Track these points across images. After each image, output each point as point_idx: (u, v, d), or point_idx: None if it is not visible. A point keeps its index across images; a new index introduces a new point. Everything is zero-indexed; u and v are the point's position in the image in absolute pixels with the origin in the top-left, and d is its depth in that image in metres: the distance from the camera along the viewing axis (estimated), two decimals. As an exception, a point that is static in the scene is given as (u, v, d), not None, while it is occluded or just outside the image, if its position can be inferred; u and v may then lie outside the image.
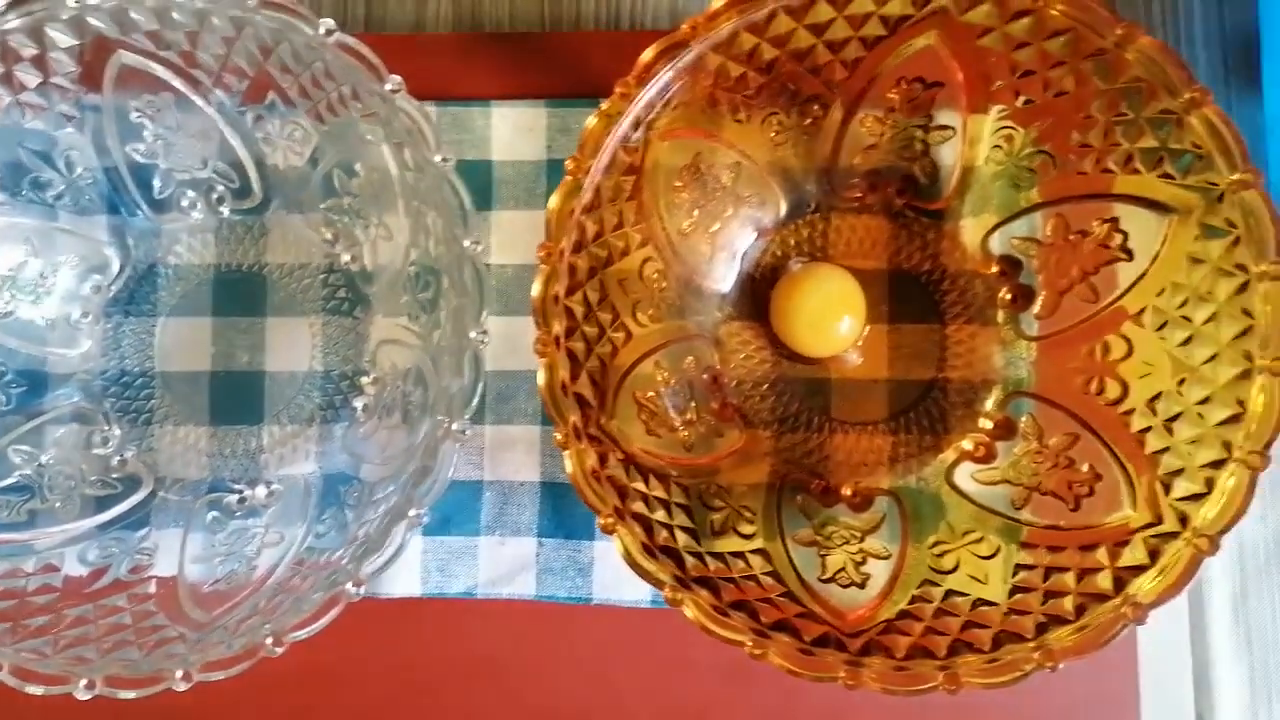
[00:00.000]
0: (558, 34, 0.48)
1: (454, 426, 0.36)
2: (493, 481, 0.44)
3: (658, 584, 0.35)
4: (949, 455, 0.43)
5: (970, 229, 0.44)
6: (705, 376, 0.44)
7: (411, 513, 0.35)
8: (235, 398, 0.45)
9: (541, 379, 0.35)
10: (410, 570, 0.44)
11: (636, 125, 0.37)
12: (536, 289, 0.36)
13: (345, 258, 0.45)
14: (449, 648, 0.44)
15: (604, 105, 0.36)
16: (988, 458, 0.43)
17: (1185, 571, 0.35)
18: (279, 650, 0.34)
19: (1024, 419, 0.43)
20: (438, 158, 0.36)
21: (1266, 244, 0.36)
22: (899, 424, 0.44)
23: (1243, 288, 0.36)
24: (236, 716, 0.44)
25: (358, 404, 0.44)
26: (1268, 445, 0.35)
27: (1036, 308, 0.43)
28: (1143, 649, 0.44)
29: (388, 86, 0.37)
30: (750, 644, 0.35)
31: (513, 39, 0.47)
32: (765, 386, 0.44)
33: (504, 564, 0.44)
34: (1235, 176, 0.36)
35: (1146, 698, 0.44)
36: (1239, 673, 0.45)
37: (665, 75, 0.37)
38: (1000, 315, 0.44)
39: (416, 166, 0.37)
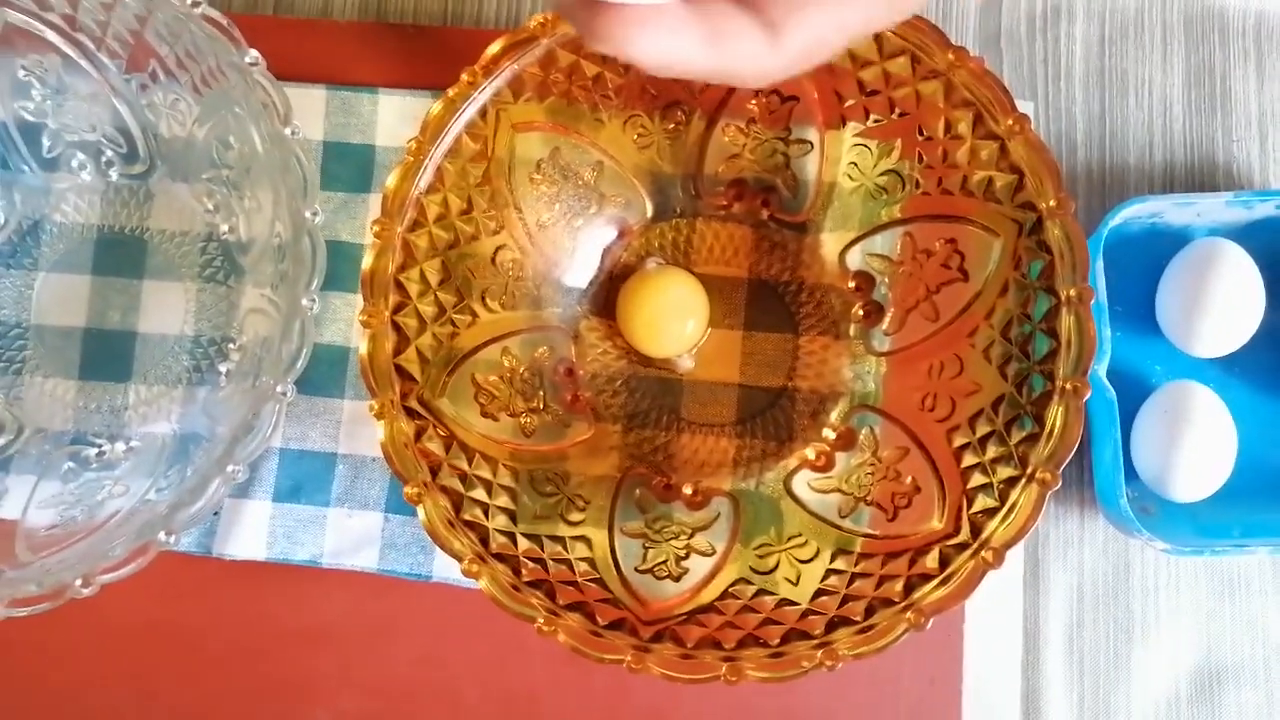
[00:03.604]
0: (454, 29, 0.49)
1: (278, 389, 0.37)
2: (347, 455, 0.46)
3: (457, 556, 0.36)
4: (791, 462, 0.44)
5: (830, 243, 0.45)
6: (559, 368, 0.45)
7: (229, 468, 0.36)
8: (106, 355, 0.46)
9: (363, 349, 0.37)
10: (257, 535, 0.45)
11: (484, 114, 0.39)
12: (367, 263, 0.37)
13: (224, 228, 0.46)
14: (289, 614, 0.45)
15: (449, 92, 0.38)
16: (827, 467, 0.44)
17: (969, 581, 0.36)
18: (86, 591, 0.35)
19: (864, 431, 0.43)
20: (287, 130, 0.38)
21: (1077, 269, 0.37)
22: (745, 428, 0.45)
23: (1053, 310, 0.37)
24: (75, 665, 0.45)
25: (223, 369, 0.45)
26: (1060, 464, 0.36)
27: (886, 324, 0.44)
28: (971, 672, 0.45)
29: (246, 60, 0.38)
30: (542, 620, 0.36)
31: (409, 31, 0.49)
32: (619, 383, 0.45)
33: (350, 536, 0.45)
34: (1050, 203, 0.37)
35: (971, 718, 0.45)
36: (1069, 700, 0.45)
37: (512, 67, 0.38)
38: (853, 329, 0.45)
39: (272, 139, 0.38)
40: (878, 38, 0.38)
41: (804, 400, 0.45)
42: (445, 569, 0.45)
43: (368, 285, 0.37)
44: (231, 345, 0.46)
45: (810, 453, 0.44)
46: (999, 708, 0.45)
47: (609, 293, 0.46)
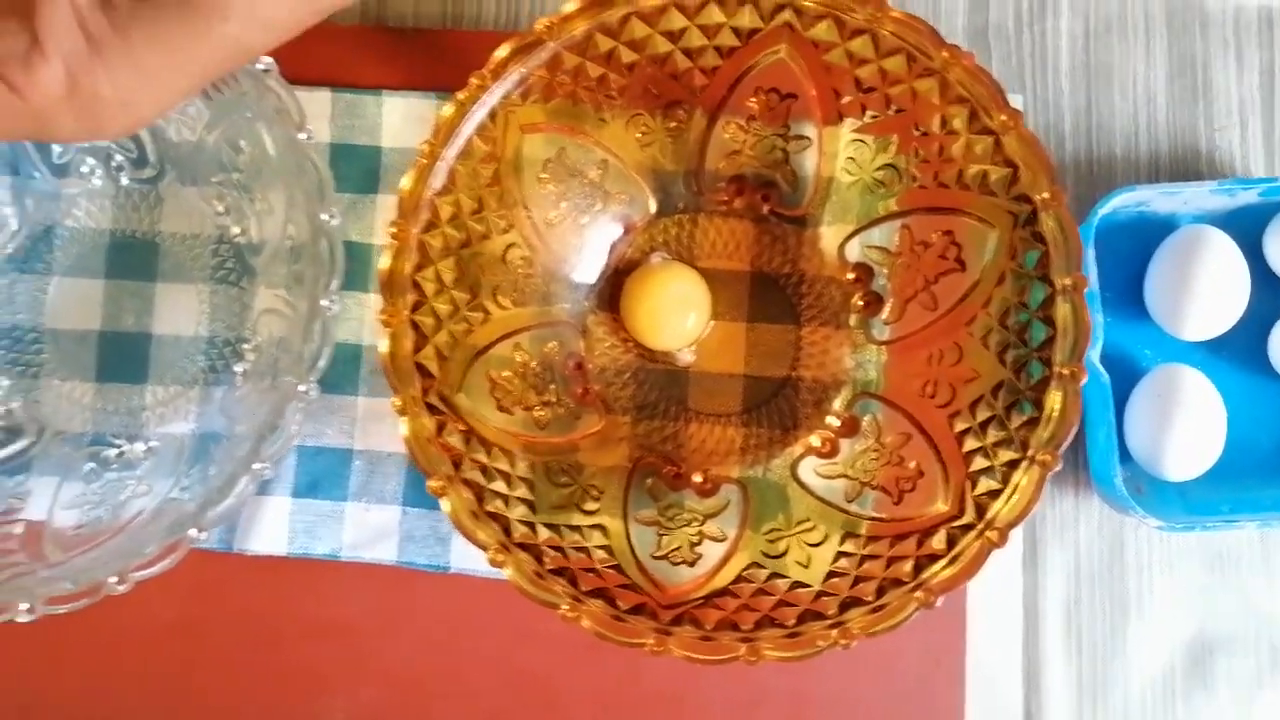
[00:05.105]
0: (455, 31, 0.50)
1: (300, 388, 0.38)
2: (362, 450, 0.47)
3: (482, 546, 0.37)
4: (796, 449, 0.45)
5: (829, 236, 0.46)
6: (569, 362, 0.46)
7: (255, 465, 0.37)
8: (122, 357, 0.47)
9: (384, 347, 0.38)
10: (277, 530, 0.46)
11: (492, 116, 0.40)
12: (384, 263, 0.38)
13: (235, 230, 0.47)
14: (309, 607, 0.46)
15: (460, 95, 0.39)
16: (831, 453, 0.45)
17: (974, 560, 0.37)
18: (123, 588, 0.36)
19: (867, 418, 0.45)
20: (301, 135, 0.39)
21: (1071, 258, 0.38)
22: (751, 417, 0.46)
23: (1049, 299, 0.39)
24: (101, 661, 0.46)
25: (238, 369, 0.46)
26: (1059, 446, 0.37)
27: (886, 314, 0.45)
28: (972, 650, 0.46)
29: (259, 66, 0.39)
30: (566, 607, 0.37)
31: (410, 34, 0.50)
32: (627, 375, 0.47)
33: (368, 529, 0.46)
34: (1044, 195, 0.38)
35: (975, 695, 0.46)
36: (1068, 675, 0.47)
37: (519, 70, 0.39)
38: (853, 319, 0.46)
39: (285, 143, 0.39)
40: (874, 36, 0.40)
41: (808, 389, 0.46)
42: (463, 560, 0.46)
43: (386, 285, 0.38)
44: (246, 345, 0.46)
45: (815, 440, 0.45)
46: (1001, 682, 0.47)
47: (615, 288, 0.47)
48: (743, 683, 0.46)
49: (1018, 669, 0.47)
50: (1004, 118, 0.38)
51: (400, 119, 0.48)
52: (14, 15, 0.25)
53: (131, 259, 0.47)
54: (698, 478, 0.45)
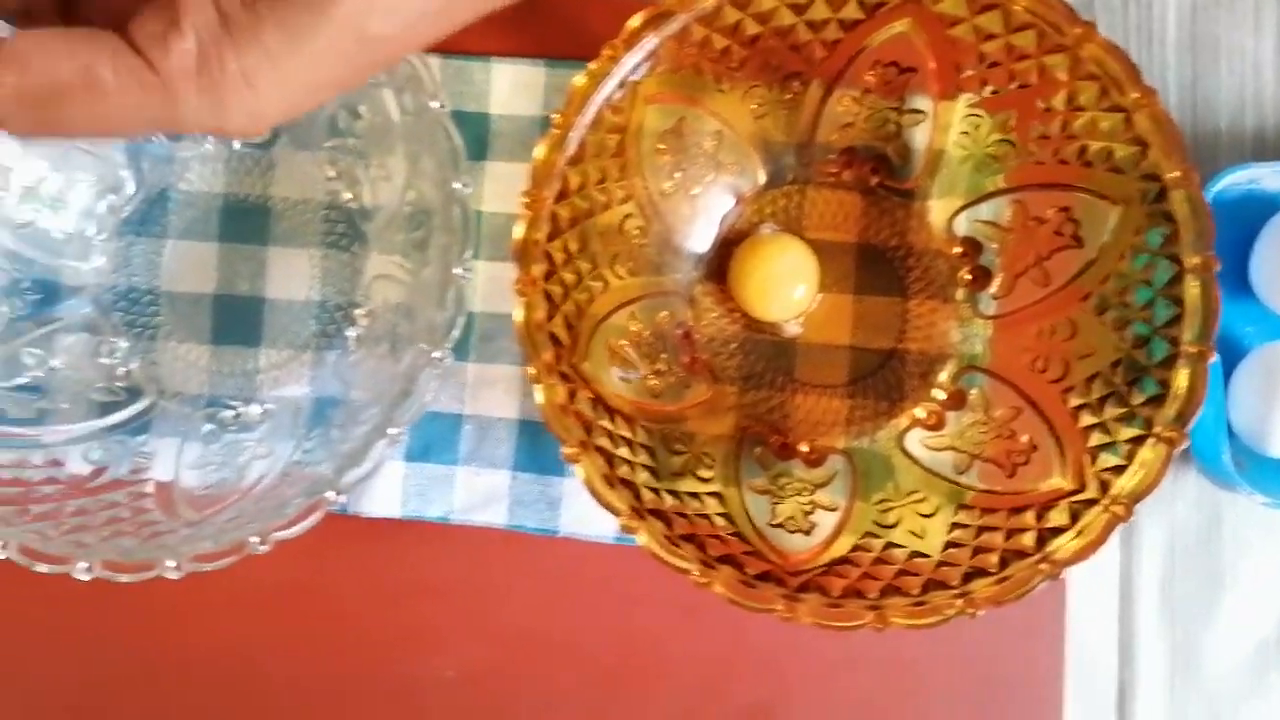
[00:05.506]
0: (563, -2, 0.50)
1: (434, 355, 0.38)
2: (472, 415, 0.47)
3: (615, 512, 0.38)
4: (902, 421, 0.46)
5: (937, 210, 0.46)
6: (678, 331, 0.46)
7: (391, 431, 0.38)
8: (235, 320, 0.48)
9: (519, 316, 0.38)
10: (391, 493, 0.47)
11: (621, 86, 0.40)
12: (519, 232, 0.38)
13: (346, 195, 0.47)
14: (422, 568, 0.47)
15: (591, 66, 0.39)
16: (938, 425, 0.46)
17: (1100, 534, 0.38)
18: (264, 548, 0.37)
19: (974, 392, 0.45)
20: (435, 103, 0.39)
21: (1200, 238, 0.38)
22: (857, 389, 0.47)
23: (1176, 278, 0.39)
24: (227, 620, 0.47)
25: (350, 334, 0.47)
26: (1186, 423, 0.38)
27: (994, 288, 0.46)
28: (1071, 621, 0.47)
29: (393, 34, 0.39)
30: (697, 573, 0.38)
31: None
32: (734, 345, 0.47)
33: (478, 493, 0.47)
34: (1175, 174, 0.38)
35: (1072, 665, 0.47)
36: (1161, 648, 0.48)
37: (651, 42, 0.39)
38: (960, 293, 0.46)
39: (415, 111, 0.40)
40: (1005, 11, 0.40)
41: (914, 362, 0.47)
42: (572, 524, 0.47)
43: (521, 255, 0.38)
44: (359, 310, 0.47)
45: (921, 412, 0.46)
46: (1096, 653, 0.48)
47: (722, 258, 0.47)
48: (838, 649, 0.47)
49: (1113, 641, 0.48)
50: (1136, 95, 0.38)
51: (509, 86, 0.48)
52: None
53: (244, 223, 0.48)
54: (804, 448, 0.46)
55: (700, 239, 0.47)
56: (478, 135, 0.48)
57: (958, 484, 0.43)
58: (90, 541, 0.38)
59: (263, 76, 0.25)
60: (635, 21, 0.39)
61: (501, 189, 0.48)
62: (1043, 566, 0.38)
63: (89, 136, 0.26)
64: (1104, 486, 0.39)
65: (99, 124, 0.25)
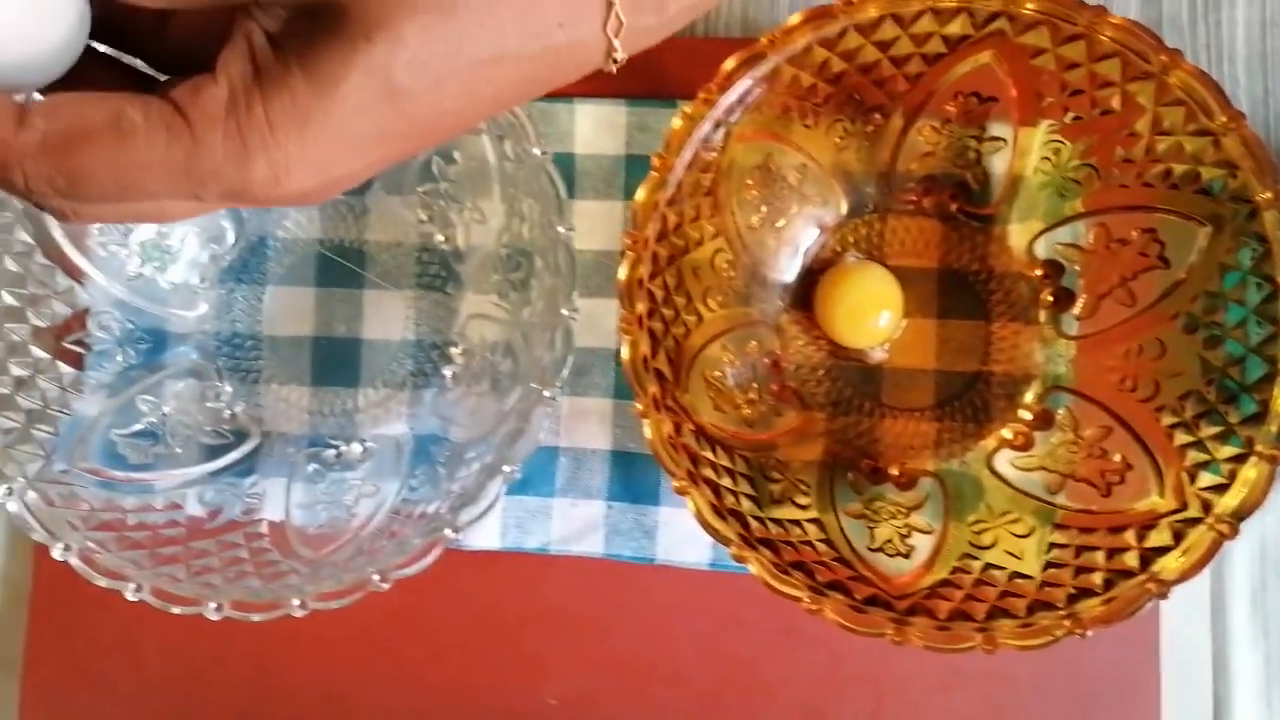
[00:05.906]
0: (640, 38, 0.51)
1: (545, 394, 0.40)
2: (568, 448, 0.49)
3: (726, 542, 0.39)
4: (990, 442, 0.47)
5: (1017, 234, 0.47)
6: (766, 360, 0.47)
7: (505, 468, 0.39)
8: (334, 362, 0.49)
9: (625, 354, 0.39)
10: (491, 525, 0.48)
11: (716, 127, 0.41)
12: (623, 272, 0.40)
13: (439, 238, 0.49)
14: (523, 598, 0.48)
15: (687, 108, 0.40)
16: (1026, 446, 0.46)
17: (1207, 552, 0.38)
18: (385, 586, 0.38)
19: (1061, 411, 0.46)
20: (537, 150, 0.40)
21: (1294, 257, 0.39)
22: (944, 412, 0.48)
23: (1270, 297, 0.40)
24: (334, 653, 0.48)
25: (447, 372, 0.48)
26: (1287, 441, 0.38)
27: (1077, 309, 0.46)
28: (1165, 633, 0.48)
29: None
30: (808, 600, 0.39)
31: (599, 42, 0.51)
32: (821, 372, 0.48)
33: (575, 523, 0.48)
34: (1267, 195, 0.39)
35: (1168, 678, 0.47)
36: (1255, 659, 0.48)
37: (744, 83, 0.40)
38: (1042, 315, 0.47)
39: (516, 157, 0.41)
40: (1089, 41, 0.40)
41: (999, 384, 0.47)
42: (668, 551, 0.48)
43: (626, 294, 0.39)
44: (455, 349, 0.48)
45: (1008, 433, 0.47)
46: (1191, 662, 0.48)
47: (807, 287, 0.48)
48: (938, 666, 0.48)
49: (1206, 653, 0.48)
50: (1225, 119, 0.39)
51: (592, 126, 0.50)
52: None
53: (340, 267, 0.49)
54: (895, 471, 0.47)
55: (786, 270, 0.48)
56: (565, 175, 0.49)
57: (1050, 504, 0.44)
58: (217, 583, 0.39)
59: (287, 123, 0.24)
60: (730, 64, 0.40)
61: (588, 227, 0.49)
62: (1150, 586, 0.38)
63: (113, 203, 0.24)
64: (1206, 505, 0.39)
65: (123, 177, 0.24)
